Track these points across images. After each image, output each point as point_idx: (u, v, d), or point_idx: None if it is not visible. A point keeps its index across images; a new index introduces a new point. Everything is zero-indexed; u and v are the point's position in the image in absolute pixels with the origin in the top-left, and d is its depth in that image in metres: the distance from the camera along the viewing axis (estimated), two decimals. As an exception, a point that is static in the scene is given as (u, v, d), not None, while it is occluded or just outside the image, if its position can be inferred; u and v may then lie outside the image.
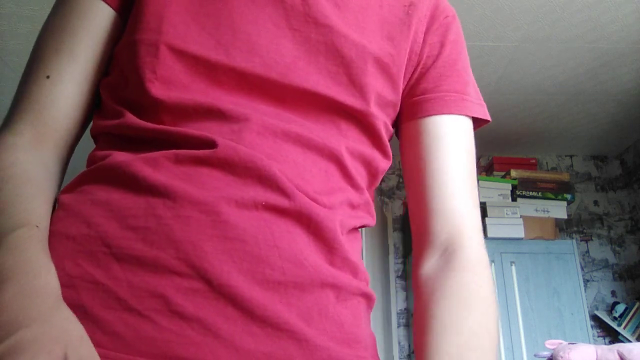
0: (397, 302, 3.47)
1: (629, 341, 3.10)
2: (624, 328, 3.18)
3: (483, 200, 3.13)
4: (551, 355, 1.08)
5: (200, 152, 0.47)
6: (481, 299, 0.50)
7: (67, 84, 0.54)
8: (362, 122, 0.55)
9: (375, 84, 0.55)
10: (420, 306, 0.51)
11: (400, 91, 0.59)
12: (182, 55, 0.50)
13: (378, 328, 2.91)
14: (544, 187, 3.18)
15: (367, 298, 0.52)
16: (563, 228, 3.63)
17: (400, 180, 3.84)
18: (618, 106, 3.26)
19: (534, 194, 3.16)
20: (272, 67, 0.51)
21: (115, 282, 0.42)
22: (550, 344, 1.12)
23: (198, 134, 0.48)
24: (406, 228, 3.61)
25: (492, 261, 2.98)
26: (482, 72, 2.94)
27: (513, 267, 2.96)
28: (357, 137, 0.56)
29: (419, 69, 0.60)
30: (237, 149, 0.47)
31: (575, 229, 3.67)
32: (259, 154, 0.48)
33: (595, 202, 3.76)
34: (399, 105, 0.60)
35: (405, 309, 3.45)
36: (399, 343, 3.35)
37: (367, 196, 0.58)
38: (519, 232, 3.04)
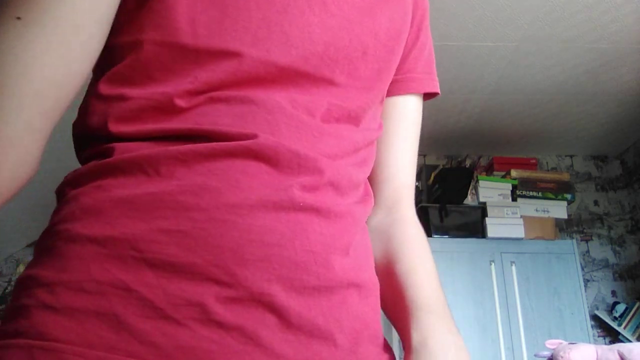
0: (398, 302, 3.47)
1: (629, 341, 3.10)
2: (624, 328, 3.18)
3: (483, 200, 3.13)
4: (551, 355, 1.08)
5: (235, 143, 0.45)
6: (425, 244, 0.64)
7: (49, 28, 0.41)
8: (376, 112, 0.59)
9: (387, 70, 0.58)
10: (382, 249, 0.61)
11: None
12: (221, 55, 0.47)
13: (378, 328, 2.91)
14: (544, 187, 3.18)
15: (379, 293, 0.53)
16: (563, 228, 3.63)
17: (401, 180, 3.85)
18: (618, 106, 3.26)
19: (534, 193, 3.16)
20: (308, 60, 0.50)
21: (150, 290, 0.39)
22: (551, 343, 1.12)
23: (236, 130, 0.46)
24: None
25: (492, 261, 2.98)
26: (482, 72, 2.94)
27: (513, 267, 2.96)
28: (371, 126, 0.58)
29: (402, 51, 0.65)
30: (275, 141, 0.46)
31: (575, 228, 3.67)
32: (297, 146, 0.47)
33: (596, 202, 3.76)
34: None
35: (406, 309, 3.45)
36: (400, 343, 3.34)
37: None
38: (519, 232, 3.04)
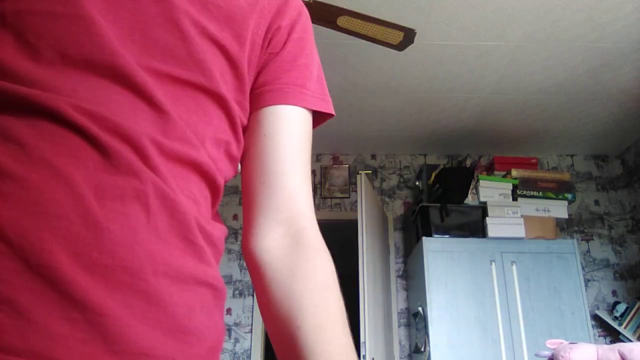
0: (398, 302, 3.47)
1: (630, 341, 3.10)
2: (625, 327, 3.18)
3: (484, 199, 3.13)
4: (552, 355, 1.08)
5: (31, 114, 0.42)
6: (334, 280, 0.55)
7: None
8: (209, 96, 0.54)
9: (216, 63, 0.54)
10: (275, 285, 0.54)
11: (246, 81, 0.58)
12: None
13: (379, 327, 2.91)
14: (544, 187, 3.18)
15: (212, 288, 0.49)
16: (564, 227, 3.63)
17: (401, 180, 3.85)
18: (619, 106, 3.26)
19: (535, 193, 3.16)
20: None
21: None
22: (551, 343, 1.12)
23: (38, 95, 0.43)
24: (407, 228, 3.61)
25: (492, 261, 2.98)
26: (482, 72, 2.94)
27: (514, 267, 2.97)
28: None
29: (261, 64, 0.61)
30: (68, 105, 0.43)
31: (576, 228, 3.67)
32: (101, 113, 0.44)
33: (596, 202, 3.76)
34: (247, 95, 0.60)
35: (406, 308, 3.45)
36: (400, 342, 3.35)
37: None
38: (519, 231, 3.04)
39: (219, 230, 0.52)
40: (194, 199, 0.49)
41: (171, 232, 0.45)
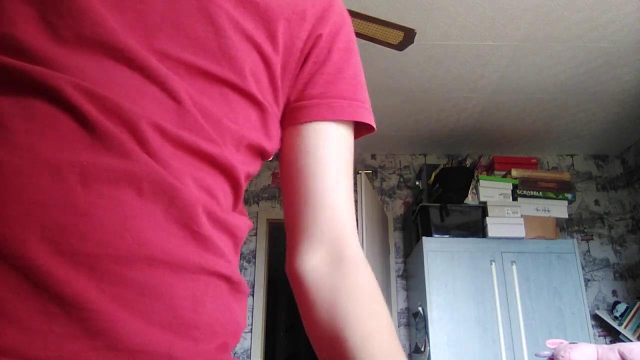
0: (398, 302, 3.47)
1: (630, 340, 3.10)
2: (625, 327, 3.18)
3: (484, 199, 3.13)
4: (552, 355, 1.08)
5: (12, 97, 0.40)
6: (377, 292, 0.54)
7: None
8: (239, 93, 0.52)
9: (248, 60, 0.51)
10: (320, 302, 0.53)
11: (279, 83, 0.56)
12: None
13: (379, 327, 2.92)
14: (544, 187, 3.18)
15: (226, 280, 0.46)
16: (564, 227, 3.63)
17: (401, 180, 3.85)
18: (619, 105, 3.26)
19: (535, 193, 3.16)
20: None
21: None
22: (551, 343, 1.12)
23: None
24: (407, 227, 3.61)
25: (492, 261, 2.98)
26: (482, 72, 2.94)
27: (514, 267, 2.97)
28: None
29: (304, 73, 0.58)
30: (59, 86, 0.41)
31: (576, 228, 3.67)
32: (104, 94, 0.42)
33: (596, 202, 3.76)
34: (281, 100, 0.57)
35: (406, 308, 3.45)
36: (400, 342, 3.35)
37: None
38: (519, 231, 3.04)
39: (239, 220, 0.50)
40: (207, 189, 0.46)
41: (169, 219, 0.42)
